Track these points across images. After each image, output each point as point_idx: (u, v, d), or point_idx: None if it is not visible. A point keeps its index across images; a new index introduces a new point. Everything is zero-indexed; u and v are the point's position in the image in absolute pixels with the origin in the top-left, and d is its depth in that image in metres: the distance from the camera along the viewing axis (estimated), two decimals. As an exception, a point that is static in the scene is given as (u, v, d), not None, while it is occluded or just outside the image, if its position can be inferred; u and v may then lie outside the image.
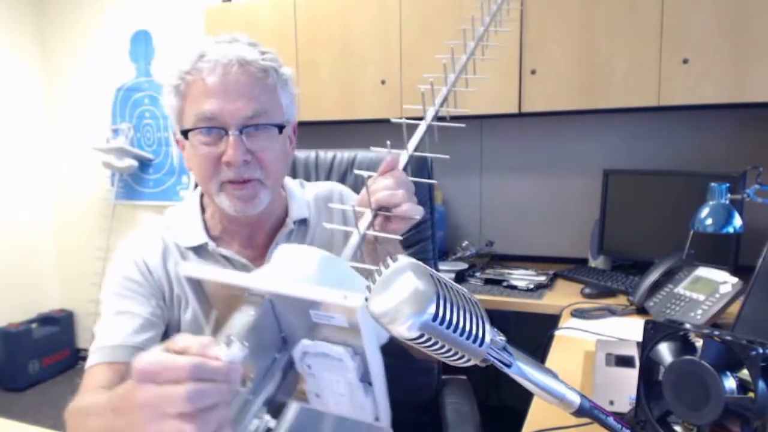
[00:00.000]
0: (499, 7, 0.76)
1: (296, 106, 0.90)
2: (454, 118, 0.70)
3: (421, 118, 0.69)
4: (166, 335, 0.87)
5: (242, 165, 0.80)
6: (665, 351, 0.67)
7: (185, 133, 0.82)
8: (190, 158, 0.86)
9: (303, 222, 0.95)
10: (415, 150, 0.67)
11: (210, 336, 0.46)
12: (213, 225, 0.92)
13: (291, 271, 0.48)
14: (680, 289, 1.45)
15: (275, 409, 0.49)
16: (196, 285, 0.47)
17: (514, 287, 1.89)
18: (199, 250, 0.89)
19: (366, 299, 0.40)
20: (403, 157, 0.68)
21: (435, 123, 0.68)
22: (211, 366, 0.43)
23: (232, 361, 0.43)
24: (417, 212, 0.66)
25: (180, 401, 0.42)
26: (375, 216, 0.64)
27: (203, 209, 0.94)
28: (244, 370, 0.45)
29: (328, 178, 1.29)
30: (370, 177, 0.67)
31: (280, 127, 0.83)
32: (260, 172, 0.82)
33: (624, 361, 1.07)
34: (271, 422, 0.48)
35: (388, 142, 0.68)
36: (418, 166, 1.25)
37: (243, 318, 0.45)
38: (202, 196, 0.95)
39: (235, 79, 0.79)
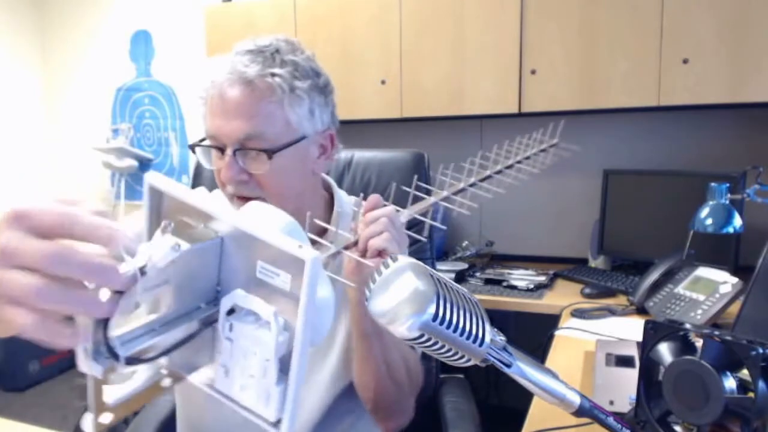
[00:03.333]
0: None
1: (330, 112, 0.87)
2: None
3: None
4: None
5: (239, 184, 0.80)
6: (665, 351, 0.67)
7: (192, 148, 0.84)
8: None
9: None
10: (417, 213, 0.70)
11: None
12: None
13: (257, 219, 0.43)
14: (680, 289, 1.45)
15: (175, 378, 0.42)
16: (156, 199, 0.42)
17: (514, 287, 1.89)
18: None
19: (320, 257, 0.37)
20: (404, 215, 0.71)
21: (441, 203, 0.71)
22: (79, 259, 0.35)
23: (128, 274, 0.35)
24: (398, 251, 0.66)
25: (23, 290, 0.35)
26: (362, 253, 0.66)
27: None
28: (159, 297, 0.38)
29: (327, 178, 1.29)
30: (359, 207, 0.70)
31: (272, 152, 0.79)
32: (260, 191, 0.81)
33: (624, 361, 1.07)
34: (166, 381, 0.42)
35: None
36: (415, 164, 1.25)
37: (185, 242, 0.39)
38: None
39: (233, 99, 0.78)
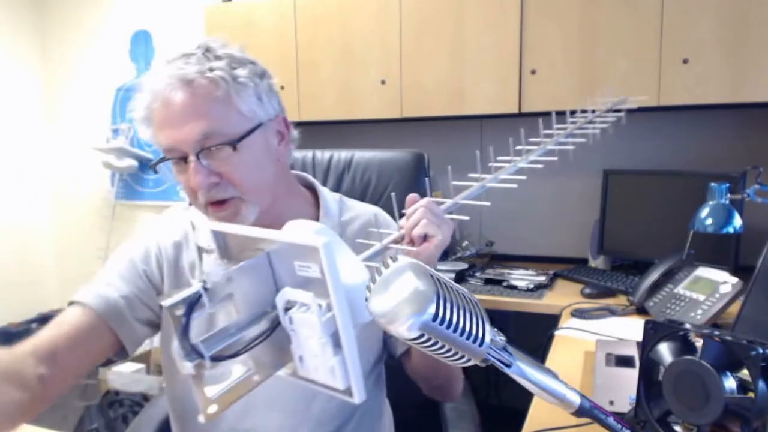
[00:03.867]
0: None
1: (276, 98, 0.85)
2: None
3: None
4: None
5: (211, 188, 0.78)
6: (665, 351, 0.67)
7: (153, 168, 0.84)
8: None
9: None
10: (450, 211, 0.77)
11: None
12: None
13: (289, 231, 0.50)
14: (680, 289, 1.45)
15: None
16: (220, 238, 0.51)
17: (514, 287, 1.89)
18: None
19: (325, 243, 0.41)
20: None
21: (462, 200, 0.78)
22: None
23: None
24: (440, 234, 0.73)
25: None
26: (410, 242, 0.71)
27: None
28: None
29: (325, 178, 1.29)
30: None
31: (234, 142, 0.77)
32: (233, 189, 0.79)
33: (624, 361, 1.07)
34: (256, 376, 0.48)
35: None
36: (415, 164, 1.25)
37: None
38: None
39: (180, 102, 0.76)
